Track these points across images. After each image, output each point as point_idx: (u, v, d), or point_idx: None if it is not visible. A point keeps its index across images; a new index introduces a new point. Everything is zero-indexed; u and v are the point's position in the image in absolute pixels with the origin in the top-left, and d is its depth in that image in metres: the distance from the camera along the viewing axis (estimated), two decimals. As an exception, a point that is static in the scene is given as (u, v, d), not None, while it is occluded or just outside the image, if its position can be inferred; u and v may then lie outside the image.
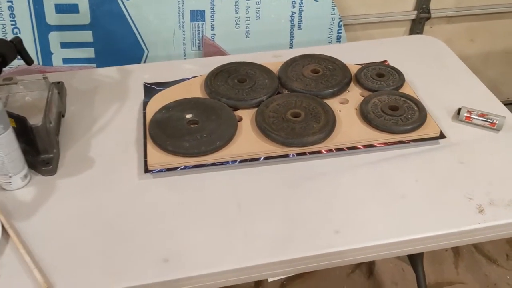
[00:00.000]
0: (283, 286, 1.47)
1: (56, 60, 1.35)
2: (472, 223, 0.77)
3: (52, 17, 1.29)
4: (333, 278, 1.49)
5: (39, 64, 1.32)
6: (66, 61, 1.35)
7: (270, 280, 1.47)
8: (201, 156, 0.86)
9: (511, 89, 1.81)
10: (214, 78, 1.03)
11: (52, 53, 1.33)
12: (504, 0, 1.58)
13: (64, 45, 1.33)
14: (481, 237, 0.79)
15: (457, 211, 0.79)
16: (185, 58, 1.38)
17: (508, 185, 0.83)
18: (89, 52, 1.35)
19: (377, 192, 0.83)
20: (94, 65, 1.36)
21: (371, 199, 0.81)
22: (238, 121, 0.93)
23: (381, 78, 1.02)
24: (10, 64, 0.90)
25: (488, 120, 0.94)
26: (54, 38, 1.32)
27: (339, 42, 1.46)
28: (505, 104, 1.02)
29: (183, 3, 1.33)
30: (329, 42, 1.45)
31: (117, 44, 1.35)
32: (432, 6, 1.54)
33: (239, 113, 0.95)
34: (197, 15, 1.35)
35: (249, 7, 1.37)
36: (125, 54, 1.36)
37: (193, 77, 1.07)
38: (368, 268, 1.52)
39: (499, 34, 1.67)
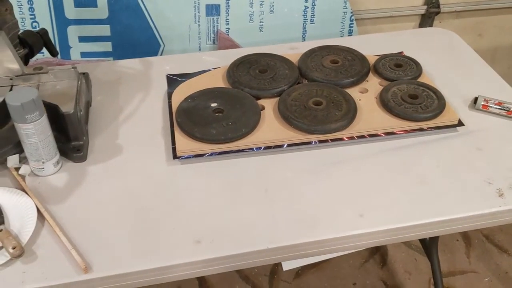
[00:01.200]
0: (298, 275, 1.49)
1: (74, 54, 1.37)
2: (493, 206, 0.80)
3: (70, 11, 1.31)
4: (346, 267, 1.51)
5: (57, 57, 1.34)
6: (84, 54, 1.37)
7: (285, 269, 1.49)
8: (228, 143, 0.88)
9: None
10: (236, 68, 1.05)
11: (71, 47, 1.35)
12: (513, -5, 1.61)
13: (82, 39, 1.35)
14: (502, 220, 0.81)
15: (477, 195, 0.81)
16: (200, 52, 1.40)
17: (526, 170, 0.86)
18: (107, 46, 1.37)
19: (399, 177, 0.85)
20: (111, 58, 1.38)
21: (393, 184, 0.84)
22: (261, 110, 0.95)
23: (399, 68, 1.05)
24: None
25: (505, 109, 0.96)
26: (73, 32, 1.34)
27: (351, 36, 1.48)
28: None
29: (199, -3, 1.35)
30: (341, 36, 1.48)
31: (134, 38, 1.37)
32: (441, 0, 1.56)
33: (261, 102, 0.97)
34: (213, 10, 1.38)
35: (263, 1, 1.39)
36: (142, 48, 1.38)
37: (214, 68, 1.09)
38: (381, 258, 1.54)
39: (507, 29, 1.69)
